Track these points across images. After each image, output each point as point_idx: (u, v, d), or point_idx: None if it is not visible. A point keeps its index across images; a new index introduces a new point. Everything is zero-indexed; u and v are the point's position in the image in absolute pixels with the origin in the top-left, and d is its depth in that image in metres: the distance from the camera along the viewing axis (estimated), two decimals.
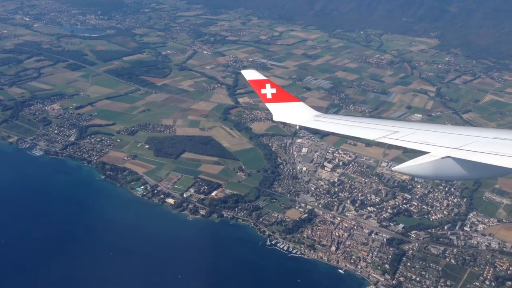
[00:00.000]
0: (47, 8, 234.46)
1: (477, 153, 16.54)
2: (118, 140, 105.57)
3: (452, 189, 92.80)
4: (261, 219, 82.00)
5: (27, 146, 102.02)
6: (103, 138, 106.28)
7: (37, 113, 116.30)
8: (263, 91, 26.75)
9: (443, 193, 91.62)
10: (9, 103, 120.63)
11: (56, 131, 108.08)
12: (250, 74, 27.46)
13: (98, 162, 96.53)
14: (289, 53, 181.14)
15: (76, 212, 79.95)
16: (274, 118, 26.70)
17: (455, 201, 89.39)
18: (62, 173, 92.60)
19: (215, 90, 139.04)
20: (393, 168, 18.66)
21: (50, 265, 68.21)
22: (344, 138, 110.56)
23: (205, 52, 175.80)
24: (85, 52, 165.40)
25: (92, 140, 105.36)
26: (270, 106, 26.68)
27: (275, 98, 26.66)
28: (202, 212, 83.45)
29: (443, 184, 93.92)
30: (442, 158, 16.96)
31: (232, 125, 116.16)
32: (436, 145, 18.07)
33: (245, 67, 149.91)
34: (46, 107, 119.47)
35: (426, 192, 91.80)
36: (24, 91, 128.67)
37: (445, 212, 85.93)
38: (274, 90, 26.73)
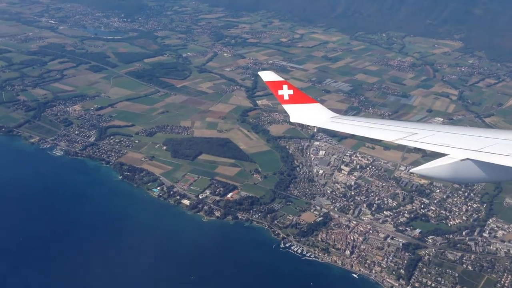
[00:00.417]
0: (72, 11, 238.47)
1: (497, 155, 16.43)
2: (137, 141, 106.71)
3: (472, 194, 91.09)
4: (275, 222, 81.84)
5: (48, 146, 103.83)
6: (122, 139, 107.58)
7: (58, 114, 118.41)
8: (280, 92, 26.83)
9: (462, 198, 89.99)
10: (32, 104, 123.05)
11: (76, 132, 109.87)
12: (267, 76, 27.62)
13: (116, 163, 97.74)
14: (309, 55, 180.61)
15: (91, 212, 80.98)
16: (291, 120, 26.73)
17: (474, 206, 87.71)
18: (80, 173, 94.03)
19: (234, 92, 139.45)
20: (411, 170, 18.64)
21: (65, 261, 69.34)
22: (362, 141, 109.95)
23: (225, 54, 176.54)
24: (108, 54, 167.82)
25: (111, 141, 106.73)
26: (287, 107, 26.78)
27: (292, 100, 26.75)
28: (217, 213, 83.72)
29: (462, 189, 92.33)
30: (462, 160, 16.83)
31: (250, 127, 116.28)
32: (455, 147, 17.93)
33: (264, 69, 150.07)
34: (67, 108, 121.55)
35: (444, 196, 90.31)
36: (47, 92, 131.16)
37: (463, 217, 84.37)
38: (291, 92, 26.80)
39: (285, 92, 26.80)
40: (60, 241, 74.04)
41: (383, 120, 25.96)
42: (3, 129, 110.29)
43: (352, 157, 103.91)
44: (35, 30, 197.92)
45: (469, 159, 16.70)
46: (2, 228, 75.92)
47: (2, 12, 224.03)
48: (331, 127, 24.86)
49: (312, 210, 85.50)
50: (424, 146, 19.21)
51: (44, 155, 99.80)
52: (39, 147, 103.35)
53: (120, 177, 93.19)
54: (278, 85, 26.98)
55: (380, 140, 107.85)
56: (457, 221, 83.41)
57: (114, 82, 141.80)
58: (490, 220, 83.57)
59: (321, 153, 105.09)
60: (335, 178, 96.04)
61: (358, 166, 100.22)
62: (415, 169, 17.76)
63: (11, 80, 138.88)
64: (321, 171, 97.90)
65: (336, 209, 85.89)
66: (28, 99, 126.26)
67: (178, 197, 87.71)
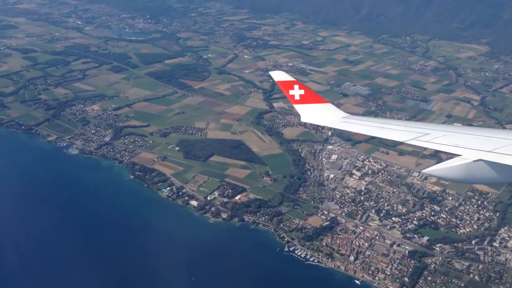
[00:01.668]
0: (99, 12, 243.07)
1: (511, 156, 16.41)
2: (151, 142, 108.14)
3: (485, 203, 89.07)
4: (281, 225, 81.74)
5: (64, 144, 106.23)
6: (136, 139, 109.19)
7: (77, 113, 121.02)
8: (291, 92, 26.92)
9: (475, 206, 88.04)
10: (52, 103, 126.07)
11: (93, 131, 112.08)
12: (278, 75, 27.84)
13: (129, 163, 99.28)
14: (330, 58, 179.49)
15: (98, 211, 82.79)
16: (302, 119, 26.86)
17: (487, 215, 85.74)
18: (93, 171, 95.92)
19: (251, 94, 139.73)
20: (423, 171, 18.66)
21: (63, 256, 71.10)
22: (376, 146, 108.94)
23: (245, 56, 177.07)
24: (130, 55, 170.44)
25: (126, 140, 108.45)
26: (298, 107, 26.90)
27: (303, 99, 26.77)
28: (224, 215, 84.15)
29: (476, 197, 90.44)
30: (474, 161, 16.78)
31: (264, 129, 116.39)
32: (468, 148, 17.90)
33: (283, 70, 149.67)
34: (86, 108, 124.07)
35: (457, 204, 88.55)
36: (68, 91, 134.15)
37: (474, 226, 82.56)
38: (302, 91, 26.85)
39: (296, 92, 26.86)
40: (62, 236, 76.04)
41: (395, 120, 26.13)
42: (23, 127, 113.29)
43: (365, 162, 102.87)
44: (61, 30, 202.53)
45: (481, 160, 16.67)
46: (11, 223, 78.09)
47: (31, 13, 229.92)
48: (342, 127, 25.02)
49: (319, 215, 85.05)
50: (436, 146, 19.45)
51: (60, 153, 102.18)
52: (56, 146, 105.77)
53: (132, 177, 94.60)
54: (289, 85, 27.08)
55: (393, 141, 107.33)
56: (467, 229, 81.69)
57: (133, 83, 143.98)
58: (502, 230, 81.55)
59: (334, 157, 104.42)
60: (345, 182, 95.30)
61: (370, 171, 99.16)
62: (427, 170, 17.83)
63: (34, 79, 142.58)
64: (331, 175, 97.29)
65: (343, 214, 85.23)
66: (49, 98, 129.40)
67: (186, 198, 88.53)
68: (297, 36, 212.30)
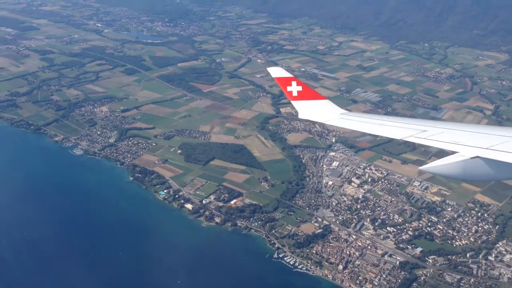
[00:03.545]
0: (120, 15, 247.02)
1: (508, 153, 16.54)
2: (154, 144, 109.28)
3: (485, 215, 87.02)
4: (273, 231, 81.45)
5: (70, 145, 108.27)
6: (140, 141, 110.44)
7: (86, 114, 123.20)
8: (289, 88, 27.08)
9: (474, 218, 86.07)
10: (63, 103, 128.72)
11: (98, 132, 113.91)
12: (276, 72, 27.94)
13: (130, 164, 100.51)
14: (344, 64, 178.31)
15: (92, 210, 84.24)
16: (300, 116, 26.92)
17: (485, 227, 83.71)
18: (94, 172, 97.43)
19: (260, 99, 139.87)
20: (420, 168, 18.58)
21: (59, 258, 72.29)
22: (379, 154, 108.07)
23: (258, 61, 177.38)
24: (144, 58, 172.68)
25: (130, 142, 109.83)
26: (295, 103, 27.08)
27: (301, 96, 26.92)
28: (217, 219, 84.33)
29: (476, 209, 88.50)
30: (471, 158, 16.95)
31: (268, 134, 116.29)
32: (465, 145, 18.06)
33: (294, 75, 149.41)
34: (95, 109, 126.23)
35: (455, 216, 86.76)
36: (79, 93, 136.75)
37: (471, 238, 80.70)
38: (300, 88, 27.02)
39: (294, 88, 27.02)
40: (52, 235, 77.82)
41: (393, 117, 26.21)
42: (32, 126, 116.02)
43: (366, 170, 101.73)
44: (81, 32, 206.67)
45: (479, 157, 16.83)
46: (8, 222, 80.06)
47: (53, 15, 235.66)
48: (340, 124, 25.13)
49: (313, 222, 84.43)
50: (433, 143, 19.39)
51: (64, 154, 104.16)
52: (62, 146, 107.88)
53: (131, 178, 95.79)
54: (286, 81, 27.20)
55: (398, 149, 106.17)
56: (463, 242, 79.90)
57: (144, 85, 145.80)
58: (500, 243, 79.45)
59: (335, 164, 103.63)
60: (343, 190, 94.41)
61: (370, 179, 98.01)
62: (425, 167, 18.04)
63: (49, 80, 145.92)
64: (330, 182, 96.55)
65: (338, 222, 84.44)
66: (61, 99, 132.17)
67: (182, 201, 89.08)
68: (313, 41, 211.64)
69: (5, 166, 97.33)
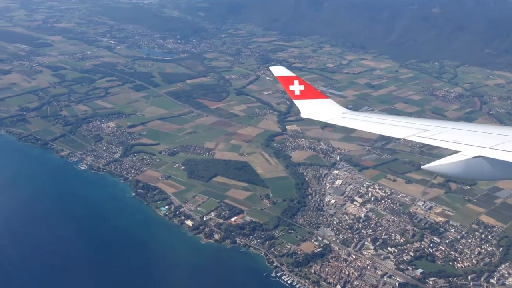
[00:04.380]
0: (133, 32, 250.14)
1: (510, 153, 16.55)
2: (158, 160, 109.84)
3: (489, 236, 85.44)
4: (272, 249, 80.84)
5: (75, 160, 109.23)
6: (145, 157, 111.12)
7: (93, 129, 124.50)
8: (291, 87, 27.24)
9: (478, 239, 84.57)
10: (71, 119, 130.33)
11: (104, 148, 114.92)
12: (278, 71, 28.23)
13: (133, 180, 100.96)
14: (352, 82, 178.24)
15: (93, 226, 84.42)
16: (302, 115, 27.17)
17: (489, 249, 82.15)
18: (97, 187, 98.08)
19: (266, 116, 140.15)
20: (422, 167, 18.62)
21: (52, 274, 72.57)
22: (383, 173, 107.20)
23: (267, 78, 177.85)
24: (154, 74, 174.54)
25: (134, 158, 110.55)
26: (298, 102, 27.28)
27: (303, 95, 27.09)
28: (217, 236, 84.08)
29: (480, 230, 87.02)
30: (474, 157, 16.97)
31: (272, 152, 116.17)
32: (468, 144, 18.11)
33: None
34: (102, 125, 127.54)
35: (458, 237, 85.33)
36: (88, 108, 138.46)
37: (474, 260, 79.20)
38: (302, 87, 27.21)
39: (296, 87, 27.19)
40: (48, 249, 78.26)
41: (395, 116, 26.37)
42: (39, 141, 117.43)
43: (369, 189, 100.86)
44: (94, 49, 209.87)
45: (481, 156, 16.83)
46: (5, 236, 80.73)
47: (68, 31, 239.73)
48: (342, 123, 25.36)
49: (313, 240, 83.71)
50: (435, 143, 19.49)
51: (69, 168, 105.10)
52: (67, 161, 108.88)
53: (133, 194, 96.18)
54: (289, 80, 27.37)
55: (403, 168, 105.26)
56: (465, 264, 78.44)
57: (152, 101, 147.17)
58: (503, 266, 77.83)
59: (338, 182, 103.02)
60: (345, 209, 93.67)
61: (372, 198, 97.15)
62: (427, 166, 17.96)
63: (59, 95, 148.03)
64: (332, 201, 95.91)
65: (338, 241, 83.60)
66: (69, 114, 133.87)
67: (182, 217, 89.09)
68: (323, 59, 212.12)
69: (7, 180, 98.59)
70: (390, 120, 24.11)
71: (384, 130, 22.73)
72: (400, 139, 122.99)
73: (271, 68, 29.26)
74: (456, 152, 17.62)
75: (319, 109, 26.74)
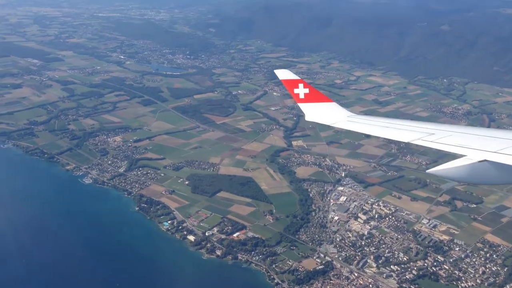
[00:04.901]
0: (143, 47, 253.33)
1: None
2: (162, 174, 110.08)
3: (494, 256, 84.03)
4: (274, 266, 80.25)
5: (80, 174, 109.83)
6: (149, 171, 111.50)
7: (99, 144, 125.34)
8: (296, 91, 27.44)
9: (483, 259, 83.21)
10: (78, 133, 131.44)
11: (109, 162, 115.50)
12: (283, 74, 28.46)
13: (137, 194, 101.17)
14: (360, 98, 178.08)
15: (94, 240, 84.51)
16: (306, 118, 27.20)
17: (493, 269, 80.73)
18: (100, 201, 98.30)
19: (272, 131, 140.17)
20: (427, 171, 18.56)
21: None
22: (388, 190, 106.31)
23: (274, 94, 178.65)
24: (162, 89, 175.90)
25: (139, 172, 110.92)
26: (302, 106, 27.40)
27: (308, 98, 27.26)
28: (218, 252, 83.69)
29: (485, 249, 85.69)
30: (479, 161, 16.96)
31: (277, 167, 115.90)
32: (473, 148, 18.13)
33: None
34: (109, 139, 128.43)
35: (463, 256, 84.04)
36: (95, 123, 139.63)
37: (478, 280, 77.87)
38: (307, 90, 27.42)
39: (301, 90, 27.40)
40: (49, 263, 78.52)
41: (400, 120, 26.39)
42: (46, 155, 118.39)
43: (374, 206, 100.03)
44: (103, 64, 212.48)
45: (487, 160, 16.80)
46: (7, 249, 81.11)
47: (79, 47, 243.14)
48: (346, 126, 25.22)
49: (315, 257, 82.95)
50: (441, 146, 19.44)
51: (74, 182, 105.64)
52: (72, 174, 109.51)
53: (137, 208, 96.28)
54: (293, 83, 27.58)
55: (409, 185, 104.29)
56: (469, 283, 77.18)
57: (159, 116, 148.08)
58: (508, 286, 76.21)
59: (342, 198, 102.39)
60: (349, 226, 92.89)
61: (377, 215, 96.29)
62: (432, 170, 17.93)
63: (67, 110, 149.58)
64: (336, 218, 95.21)
65: (340, 259, 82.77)
66: (77, 128, 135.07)
67: (185, 232, 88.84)
68: (331, 75, 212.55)
69: (11, 193, 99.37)
70: (395, 124, 23.96)
71: (389, 134, 22.57)
72: (406, 156, 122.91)
73: (276, 71, 29.31)
74: (462, 156, 17.59)
75: (324, 113, 26.73)
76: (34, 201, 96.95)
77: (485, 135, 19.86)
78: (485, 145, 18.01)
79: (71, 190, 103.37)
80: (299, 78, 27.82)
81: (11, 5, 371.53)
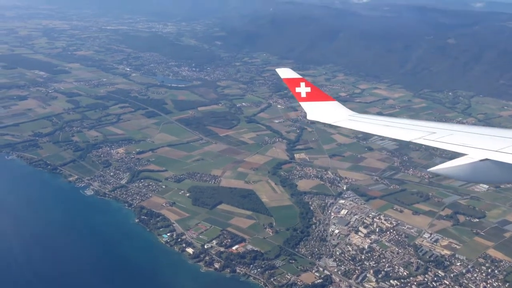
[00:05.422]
0: (149, 60, 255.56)
1: None
2: (164, 186, 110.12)
3: (496, 271, 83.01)
4: (272, 279, 79.65)
5: (82, 185, 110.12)
6: (151, 183, 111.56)
7: (102, 155, 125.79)
8: (297, 89, 27.64)
9: (484, 274, 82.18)
10: (82, 144, 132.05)
11: (111, 174, 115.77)
12: (285, 73, 28.55)
13: (138, 206, 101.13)
14: (364, 111, 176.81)
15: (92, 251, 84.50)
16: (308, 117, 27.45)
17: (495, 284, 79.63)
18: (101, 213, 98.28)
19: (275, 144, 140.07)
20: (429, 170, 18.61)
21: None
22: (390, 203, 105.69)
23: (278, 106, 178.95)
24: (166, 101, 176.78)
25: (140, 184, 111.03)
26: (304, 105, 27.67)
27: (310, 97, 27.57)
28: (217, 265, 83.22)
29: (487, 264, 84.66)
30: (481, 160, 17.05)
31: (279, 180, 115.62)
32: (475, 147, 18.22)
33: (312, 121, 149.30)
34: (112, 151, 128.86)
35: (464, 271, 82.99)
36: (99, 134, 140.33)
37: None
38: (308, 89, 27.66)
39: (303, 89, 27.64)
40: (46, 274, 78.18)
41: (402, 119, 26.59)
42: (49, 166, 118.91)
43: (375, 219, 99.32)
44: (109, 76, 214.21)
45: (488, 159, 16.85)
46: (8, 259, 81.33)
47: (86, 59, 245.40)
48: (348, 125, 25.61)
49: (313, 271, 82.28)
50: (442, 145, 19.59)
51: (75, 194, 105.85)
52: (74, 186, 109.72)
53: (137, 220, 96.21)
54: (295, 82, 27.71)
55: (410, 198, 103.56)
56: None
57: (162, 128, 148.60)
58: None
59: (343, 212, 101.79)
60: (349, 239, 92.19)
61: (377, 229, 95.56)
62: (434, 169, 18.12)
63: (72, 121, 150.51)
64: (336, 231, 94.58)
65: (339, 273, 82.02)
66: (81, 140, 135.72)
67: (184, 245, 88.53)
68: (336, 87, 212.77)
69: (12, 204, 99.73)
70: (397, 123, 24.04)
71: (390, 133, 22.51)
72: (409, 170, 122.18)
73: (277, 70, 29.15)
74: (463, 155, 17.59)
75: (325, 112, 26.96)
76: (34, 212, 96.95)
77: (487, 134, 19.88)
78: (486, 144, 18.05)
79: (72, 202, 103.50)
80: (300, 76, 27.78)
81: (21, 18, 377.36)
